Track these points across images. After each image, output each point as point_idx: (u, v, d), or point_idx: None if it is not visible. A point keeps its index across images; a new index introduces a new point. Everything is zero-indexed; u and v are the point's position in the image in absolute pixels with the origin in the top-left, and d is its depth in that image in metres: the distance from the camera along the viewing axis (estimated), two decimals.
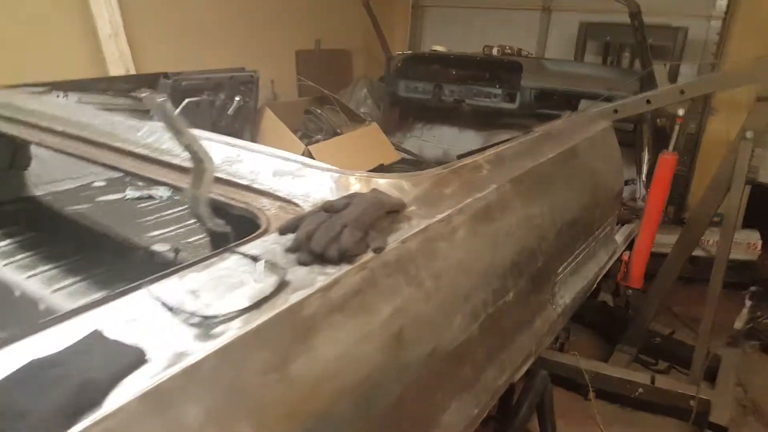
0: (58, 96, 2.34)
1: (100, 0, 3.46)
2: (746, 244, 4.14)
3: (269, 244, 0.96)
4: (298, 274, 0.88)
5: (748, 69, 2.45)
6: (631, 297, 2.96)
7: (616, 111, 2.73)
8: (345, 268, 0.92)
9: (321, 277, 0.89)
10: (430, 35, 6.33)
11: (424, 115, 4.93)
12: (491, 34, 5.71)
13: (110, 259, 1.79)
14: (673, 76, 4.56)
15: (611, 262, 2.39)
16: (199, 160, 1.03)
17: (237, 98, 3.19)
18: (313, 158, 3.28)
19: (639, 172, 3.49)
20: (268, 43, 4.87)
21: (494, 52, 3.95)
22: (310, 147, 3.19)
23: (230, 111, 3.19)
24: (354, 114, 3.72)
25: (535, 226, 1.53)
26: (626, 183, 3.69)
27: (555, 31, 5.35)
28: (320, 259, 0.92)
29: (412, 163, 4.39)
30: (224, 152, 1.34)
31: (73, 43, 3.46)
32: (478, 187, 1.37)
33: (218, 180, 1.22)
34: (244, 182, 1.22)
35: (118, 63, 3.56)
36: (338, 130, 3.68)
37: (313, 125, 3.74)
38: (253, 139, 3.45)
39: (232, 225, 1.15)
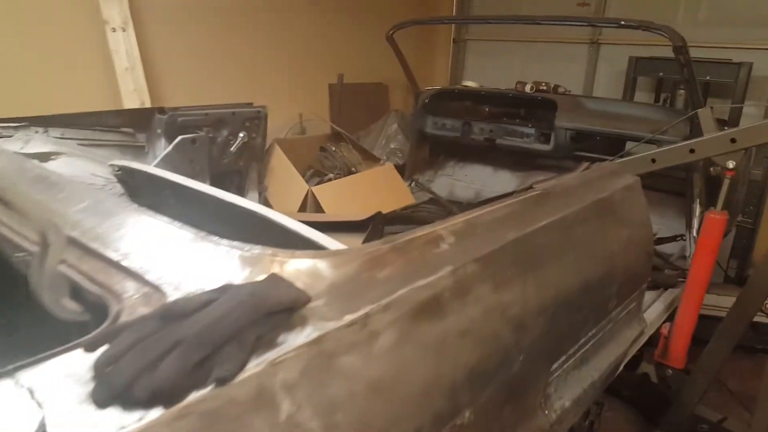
0: (36, 132, 2.23)
1: (118, 36, 3.43)
2: None
3: (69, 368, 0.70)
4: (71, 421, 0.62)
5: None
6: (672, 377, 2.50)
7: (654, 161, 2.35)
8: (155, 413, 0.64)
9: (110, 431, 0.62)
10: (471, 69, 6.07)
11: (456, 153, 4.64)
12: (535, 69, 5.40)
13: None
14: (735, 119, 4.07)
15: (638, 345, 1.99)
16: (45, 230, 0.81)
17: (241, 135, 3.03)
18: (316, 200, 3.09)
19: (689, 227, 3.03)
20: (298, 76, 4.76)
21: (527, 88, 3.62)
22: (313, 188, 2.97)
23: (233, 148, 3.02)
24: (368, 153, 3.48)
25: (511, 317, 1.20)
26: (675, 238, 3.25)
27: (604, 66, 4.96)
28: (126, 397, 0.65)
29: (433, 203, 4.10)
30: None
31: (90, 76, 3.44)
32: (426, 269, 1.07)
33: (87, 252, 0.99)
34: (116, 256, 0.98)
35: (133, 96, 3.50)
36: (353, 169, 3.45)
37: (328, 163, 3.54)
38: (261, 178, 3.28)
39: (93, 314, 0.91)
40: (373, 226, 2.46)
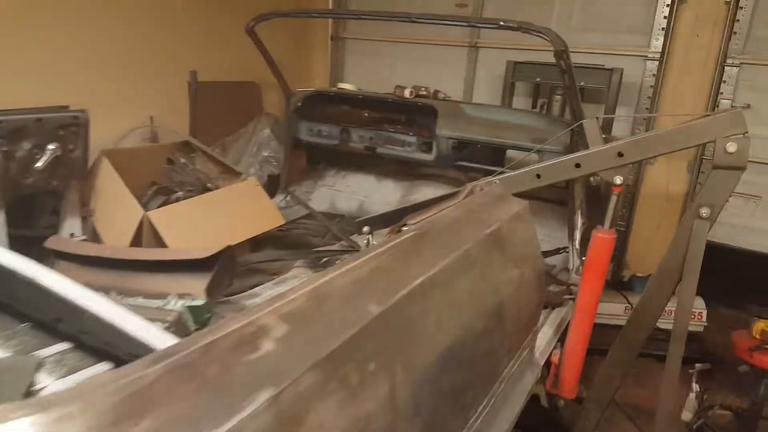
0: None
1: None
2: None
3: None
4: None
5: (705, 125, 1.91)
6: (564, 409, 2.32)
7: (539, 176, 2.14)
8: None
9: None
10: (351, 70, 5.73)
11: (337, 161, 4.27)
12: (417, 72, 5.18)
13: None
14: (607, 127, 4.12)
15: (532, 392, 1.73)
16: None
17: (51, 147, 2.40)
18: (153, 228, 2.54)
19: (571, 239, 2.92)
20: (148, 70, 4.09)
21: (407, 93, 3.34)
22: (150, 213, 2.42)
23: (40, 164, 2.39)
24: (226, 165, 2.99)
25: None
26: (559, 251, 3.13)
27: (483, 71, 4.85)
28: None
29: (310, 218, 3.69)
30: None
31: None
32: (227, 403, 0.66)
33: None
34: None
35: None
36: (209, 185, 2.93)
37: (179, 178, 2.98)
38: (86, 200, 2.66)
39: None
40: (220, 265, 2.00)
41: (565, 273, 3.06)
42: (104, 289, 2.17)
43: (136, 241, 2.55)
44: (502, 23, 2.50)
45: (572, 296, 2.64)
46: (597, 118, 2.08)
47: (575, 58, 4.19)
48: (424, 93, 3.43)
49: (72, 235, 2.61)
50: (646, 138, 1.97)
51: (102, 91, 3.74)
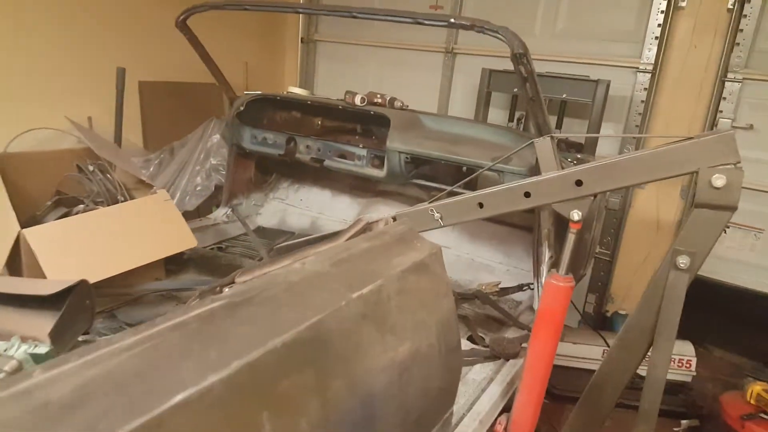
0: None
1: None
2: (678, 360, 3.23)
3: None
4: None
5: (686, 150, 1.49)
6: None
7: (481, 205, 1.72)
8: None
9: None
10: (323, 75, 5.35)
11: (290, 173, 3.87)
12: (391, 78, 4.80)
13: None
14: (592, 144, 3.71)
15: None
16: None
17: None
18: (29, 248, 2.13)
19: (536, 275, 2.49)
20: (92, 69, 3.71)
21: (358, 100, 2.93)
22: (24, 231, 2.01)
23: None
24: (133, 175, 2.57)
25: None
26: (521, 288, 2.72)
27: (460, 79, 4.45)
28: None
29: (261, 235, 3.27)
30: None
31: None
32: None
33: None
34: None
35: None
36: (120, 197, 2.52)
37: (89, 186, 2.57)
38: None
39: None
40: (70, 304, 1.59)
41: (529, 313, 2.64)
42: None
43: (14, 262, 2.14)
44: (453, 20, 2.10)
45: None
46: (552, 136, 1.66)
47: (559, 68, 3.84)
48: (379, 101, 3.02)
49: None
50: (613, 164, 1.55)
51: (31, 86, 3.39)
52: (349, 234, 1.22)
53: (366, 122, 3.16)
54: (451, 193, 1.96)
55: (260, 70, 5.17)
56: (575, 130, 3.88)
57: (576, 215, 1.59)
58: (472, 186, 2.40)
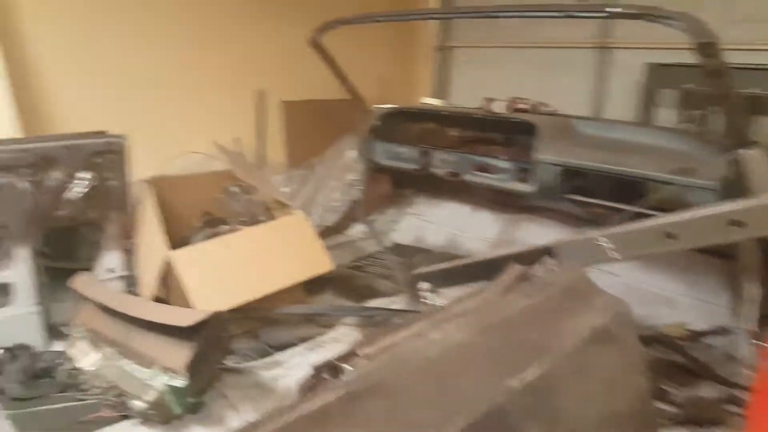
0: None
1: None
2: None
3: None
4: None
5: None
6: None
7: (670, 235, 1.37)
8: None
9: None
10: (460, 83, 5.12)
11: (426, 187, 3.69)
12: (534, 81, 4.41)
13: None
14: None
15: None
16: None
17: (84, 176, 2.17)
18: (175, 271, 2.18)
19: (739, 315, 2.00)
20: (238, 92, 3.91)
21: (499, 107, 2.67)
22: (172, 253, 2.06)
23: (72, 195, 2.16)
24: (269, 199, 2.57)
25: None
26: (717, 332, 2.19)
27: (616, 78, 3.94)
28: None
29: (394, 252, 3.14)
30: None
31: None
32: None
33: None
34: None
35: None
36: (262, 218, 2.55)
37: (239, 207, 2.65)
38: (129, 233, 2.41)
39: None
40: (205, 337, 1.55)
41: (731, 364, 2.11)
42: (110, 343, 1.87)
43: (164, 283, 2.23)
44: (608, 10, 1.76)
45: (740, 408, 1.73)
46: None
47: (742, 58, 3.19)
48: (523, 106, 2.72)
49: (111, 270, 2.38)
50: None
51: (190, 112, 3.64)
52: (502, 286, 0.98)
53: (509, 131, 2.88)
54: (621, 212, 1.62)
55: (394, 82, 5.10)
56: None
57: None
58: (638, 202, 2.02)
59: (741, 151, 1.31)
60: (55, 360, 1.87)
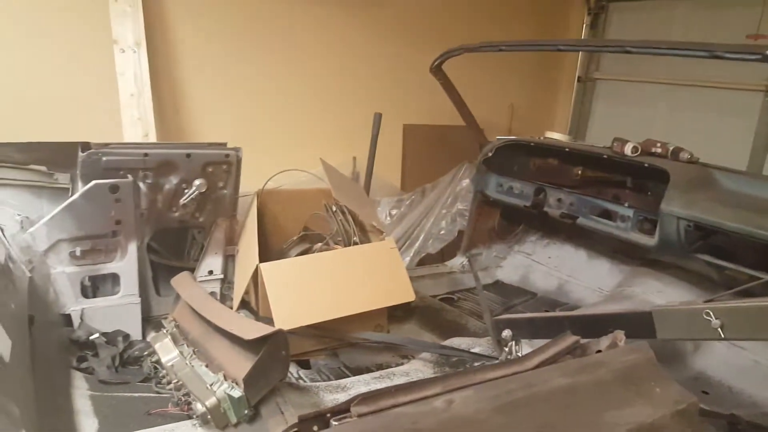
0: None
1: (128, 57, 3.02)
2: None
3: None
4: None
5: None
6: None
7: None
8: None
9: None
10: (599, 117, 4.78)
11: (540, 226, 3.45)
12: (685, 124, 3.96)
13: None
14: None
15: None
16: None
17: (197, 182, 2.34)
18: (262, 282, 2.24)
19: None
20: (361, 113, 4.02)
21: (628, 149, 2.40)
22: (262, 265, 2.13)
23: (184, 199, 2.35)
24: (365, 222, 2.55)
25: None
26: None
27: None
28: None
29: (494, 289, 2.96)
30: None
31: (92, 101, 3.06)
32: None
33: None
34: None
35: (137, 125, 3.06)
36: (356, 239, 2.55)
37: (336, 226, 2.69)
38: (230, 240, 2.56)
39: None
40: (267, 353, 1.55)
41: None
42: (191, 342, 1.97)
43: (255, 291, 2.32)
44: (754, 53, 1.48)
45: None
46: None
47: None
48: (659, 150, 2.42)
49: (211, 272, 2.55)
50: None
51: (315, 129, 3.81)
52: (545, 356, 0.83)
53: (638, 177, 2.59)
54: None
55: (528, 113, 4.88)
56: None
57: None
58: None
59: None
60: (145, 351, 2.01)
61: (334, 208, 2.66)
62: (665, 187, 2.23)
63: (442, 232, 3.68)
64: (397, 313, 2.63)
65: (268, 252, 2.55)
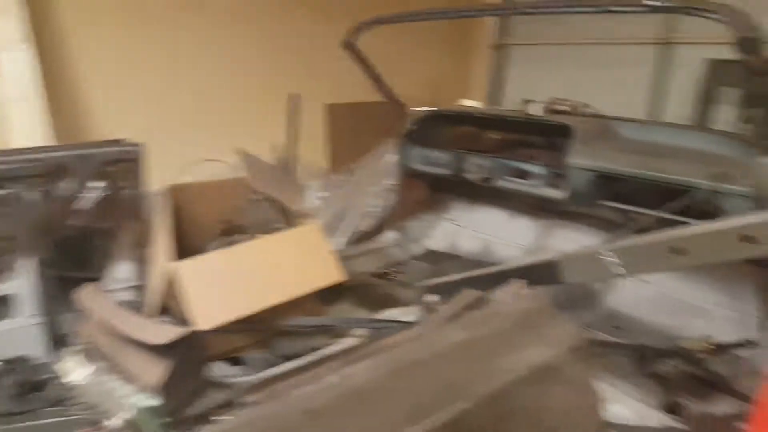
0: None
1: (13, 56, 2.80)
2: None
3: None
4: None
5: None
6: None
7: (675, 250, 1.16)
8: None
9: None
10: (515, 82, 4.89)
11: (463, 192, 3.50)
12: (592, 81, 4.12)
13: None
14: None
15: None
16: None
17: (97, 185, 2.21)
18: (180, 282, 2.15)
19: (764, 329, 1.70)
20: (279, 96, 3.92)
21: (533, 109, 2.47)
22: (178, 264, 2.04)
23: (84, 204, 2.21)
24: (290, 208, 2.51)
25: None
26: (744, 345, 1.91)
27: (679, 76, 3.57)
28: None
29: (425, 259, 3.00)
30: None
31: None
32: None
33: None
34: None
35: (26, 132, 2.84)
36: (279, 226, 2.50)
37: (253, 216, 2.62)
38: (141, 242, 2.43)
39: None
40: (181, 356, 1.49)
41: (755, 378, 1.81)
42: (103, 357, 1.86)
43: (170, 294, 2.22)
44: (647, 3, 1.55)
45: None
46: None
47: None
48: (563, 108, 2.50)
49: (122, 280, 2.41)
50: None
51: (234, 117, 3.67)
52: (446, 314, 0.83)
53: (548, 135, 2.66)
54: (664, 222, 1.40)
55: (447, 83, 4.94)
56: None
57: None
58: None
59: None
60: (53, 373, 1.88)
61: (255, 198, 2.60)
62: (564, 143, 2.31)
63: (373, 209, 3.66)
64: (327, 296, 2.60)
65: (188, 251, 2.45)
